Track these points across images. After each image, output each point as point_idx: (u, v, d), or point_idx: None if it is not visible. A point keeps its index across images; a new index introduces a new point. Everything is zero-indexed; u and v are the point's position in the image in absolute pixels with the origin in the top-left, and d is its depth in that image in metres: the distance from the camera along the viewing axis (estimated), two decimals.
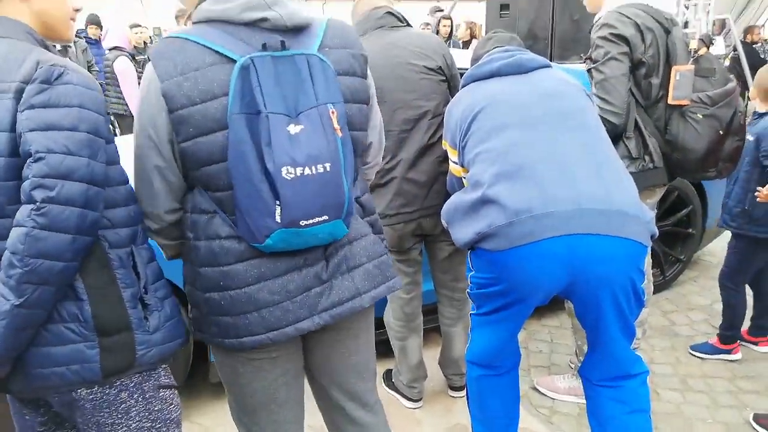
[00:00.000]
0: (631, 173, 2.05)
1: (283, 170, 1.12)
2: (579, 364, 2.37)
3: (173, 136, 1.20)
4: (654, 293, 3.33)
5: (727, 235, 3.90)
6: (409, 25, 2.23)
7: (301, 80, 1.18)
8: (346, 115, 1.24)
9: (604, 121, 2.02)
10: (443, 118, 2.13)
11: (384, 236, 1.49)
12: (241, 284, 1.23)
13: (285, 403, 1.41)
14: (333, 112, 1.20)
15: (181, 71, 1.16)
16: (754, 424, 2.24)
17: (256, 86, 1.14)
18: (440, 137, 2.13)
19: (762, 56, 8.41)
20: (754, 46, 8.68)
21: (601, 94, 2.06)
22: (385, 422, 1.59)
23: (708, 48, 6.22)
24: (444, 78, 2.16)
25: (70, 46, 5.86)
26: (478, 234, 1.57)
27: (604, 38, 2.05)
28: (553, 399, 2.47)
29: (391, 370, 2.57)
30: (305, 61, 1.20)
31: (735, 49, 8.12)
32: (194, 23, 1.25)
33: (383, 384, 2.59)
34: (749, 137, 2.40)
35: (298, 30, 1.26)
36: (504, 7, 7.17)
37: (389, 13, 2.15)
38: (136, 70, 5.44)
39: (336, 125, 1.19)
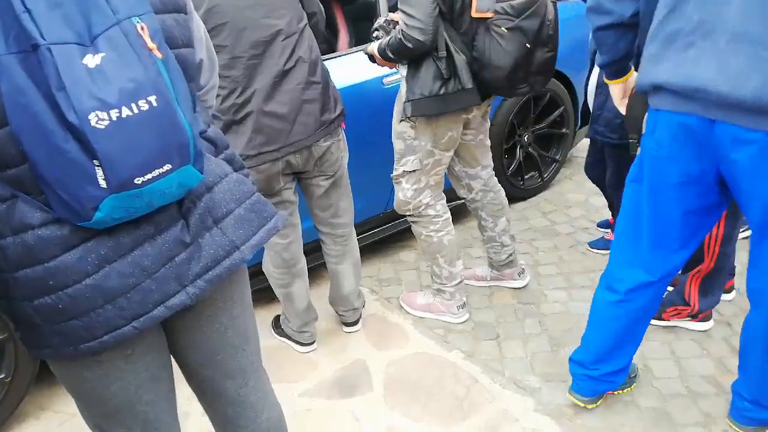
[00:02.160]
0: (444, 95, 1.97)
1: (91, 118, 0.84)
2: (437, 285, 2.39)
3: None
4: (534, 196, 3.41)
5: None
6: None
7: None
8: (161, 30, 0.96)
9: (409, 39, 1.88)
10: (298, 36, 1.87)
11: (247, 171, 1.25)
12: (78, 277, 0.96)
13: (154, 401, 1.17)
14: (142, 27, 0.91)
15: None
16: None
17: (21, 11, 0.82)
18: (298, 60, 1.87)
19: None
20: None
21: (403, 7, 1.88)
22: (271, 392, 1.42)
23: None
24: None
25: None
26: None
27: None
28: (446, 321, 2.44)
29: (280, 316, 2.41)
30: None
31: None
32: None
33: (273, 332, 2.43)
34: None
35: None
36: None
37: None
38: None
39: (150, 44, 0.91)
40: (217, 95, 1.80)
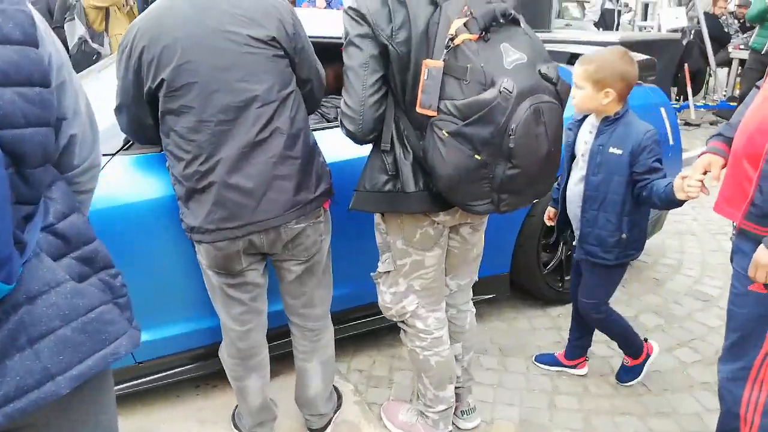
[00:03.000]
0: (388, 192, 1.64)
1: None
2: (420, 406, 2.02)
3: None
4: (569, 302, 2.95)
5: (666, 231, 3.55)
6: None
7: None
8: None
9: (342, 126, 1.61)
10: (278, 105, 1.64)
11: (115, 272, 1.05)
12: None
13: None
14: None
15: None
16: None
17: None
18: (274, 131, 1.63)
19: (725, 30, 8.01)
20: (718, 19, 8.28)
21: (342, 91, 1.61)
22: None
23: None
24: (282, 52, 1.65)
25: None
26: None
27: (345, 14, 1.57)
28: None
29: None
30: None
31: (698, 22, 7.70)
32: None
33: (231, 422, 2.15)
34: (615, 150, 1.95)
35: None
36: None
37: None
38: None
39: None
40: (181, 159, 1.63)
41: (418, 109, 1.47)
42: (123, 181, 1.96)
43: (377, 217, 1.83)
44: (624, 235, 2.02)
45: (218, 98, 1.58)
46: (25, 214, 0.91)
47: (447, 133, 1.44)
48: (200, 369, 2.24)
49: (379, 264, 1.88)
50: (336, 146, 2.09)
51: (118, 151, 1.99)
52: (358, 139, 1.63)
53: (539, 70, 1.48)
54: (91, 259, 1.00)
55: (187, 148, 1.61)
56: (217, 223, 1.64)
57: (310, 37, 1.78)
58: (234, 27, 1.57)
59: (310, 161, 1.73)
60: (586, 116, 2.10)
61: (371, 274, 1.92)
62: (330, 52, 2.19)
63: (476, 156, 1.44)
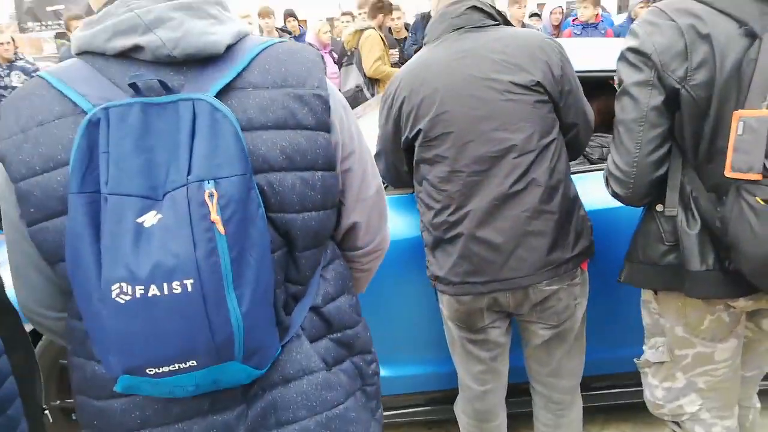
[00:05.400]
0: (666, 266, 1.34)
1: (114, 289, 0.72)
2: None
3: (19, 216, 0.86)
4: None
5: None
6: (505, 22, 1.60)
7: (176, 143, 0.77)
8: (252, 196, 0.78)
9: (608, 185, 1.40)
10: (537, 155, 1.49)
11: (371, 358, 1.04)
12: (117, 429, 0.87)
13: None
14: (211, 194, 0.74)
15: (23, 127, 0.82)
16: None
17: (103, 152, 0.76)
18: (530, 182, 1.49)
19: None
20: None
21: (611, 145, 1.35)
22: None
23: None
24: (546, 97, 1.50)
25: None
26: None
27: (623, 58, 1.30)
28: None
29: None
30: (190, 111, 0.77)
31: None
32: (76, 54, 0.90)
33: None
34: None
35: (204, 61, 0.83)
36: None
37: (474, 8, 1.55)
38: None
39: (214, 216, 0.74)
40: (431, 208, 1.60)
41: (728, 173, 1.14)
42: None
43: (646, 294, 1.52)
44: None
45: (473, 148, 1.49)
46: (293, 292, 0.92)
47: (762, 201, 1.12)
48: (432, 413, 2.19)
49: (646, 349, 1.55)
50: (599, 191, 1.85)
51: None
52: (626, 203, 1.39)
53: None
54: (349, 343, 0.99)
55: (438, 197, 1.56)
56: (462, 276, 1.55)
57: (577, 72, 1.60)
58: (496, 74, 1.47)
59: (568, 216, 1.54)
60: None
61: (635, 360, 1.60)
62: (594, 86, 1.96)
63: None
